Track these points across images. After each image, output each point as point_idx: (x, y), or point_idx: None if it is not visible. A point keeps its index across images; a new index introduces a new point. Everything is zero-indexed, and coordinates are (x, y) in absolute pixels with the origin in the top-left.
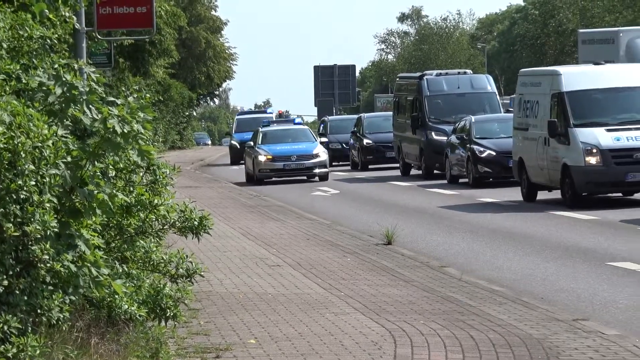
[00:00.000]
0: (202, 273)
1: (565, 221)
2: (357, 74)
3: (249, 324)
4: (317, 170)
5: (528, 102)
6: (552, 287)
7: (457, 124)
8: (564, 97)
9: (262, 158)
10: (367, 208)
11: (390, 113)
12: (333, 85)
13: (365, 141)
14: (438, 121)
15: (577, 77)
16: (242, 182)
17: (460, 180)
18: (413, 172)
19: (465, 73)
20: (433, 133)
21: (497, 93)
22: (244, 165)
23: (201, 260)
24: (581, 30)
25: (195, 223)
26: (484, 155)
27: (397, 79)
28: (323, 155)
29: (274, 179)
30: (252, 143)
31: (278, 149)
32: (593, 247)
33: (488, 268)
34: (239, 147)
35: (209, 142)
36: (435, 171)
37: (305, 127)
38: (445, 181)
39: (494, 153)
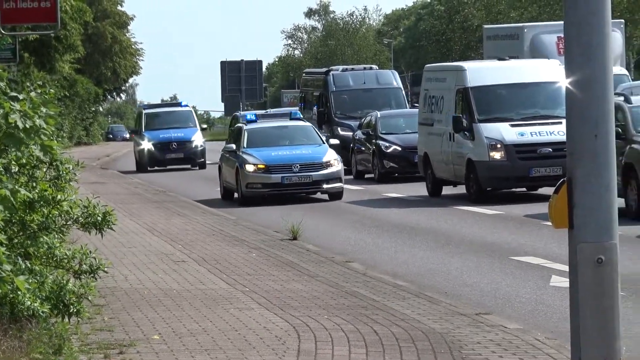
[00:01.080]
0: (105, 269)
1: (470, 216)
2: (264, 69)
3: (153, 319)
4: (327, 186)
5: (433, 97)
6: (456, 281)
7: (362, 120)
8: (469, 93)
9: (250, 168)
10: (272, 203)
11: (297, 109)
12: (240, 80)
13: None
14: (344, 116)
15: (481, 72)
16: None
17: (366, 176)
18: None
19: (371, 68)
20: (339, 128)
21: (402, 88)
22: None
23: (105, 256)
24: (486, 26)
25: (99, 219)
26: (389, 150)
27: (304, 75)
28: (336, 164)
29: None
30: (233, 146)
31: (274, 155)
32: (497, 241)
33: (392, 263)
34: (153, 149)
35: (127, 135)
36: None
37: (307, 123)
38: (351, 177)
39: (399, 148)
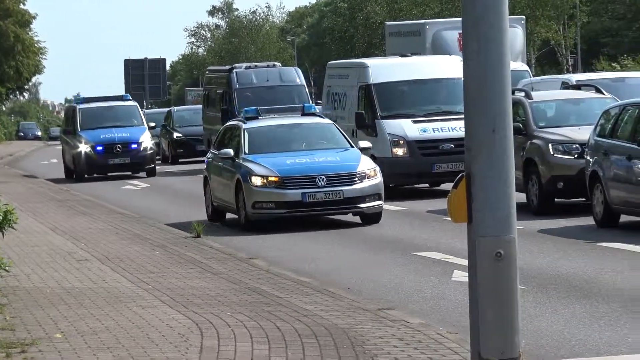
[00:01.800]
0: (7, 268)
1: None
2: (168, 67)
3: (56, 318)
4: (364, 205)
5: (336, 94)
6: (359, 277)
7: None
8: (371, 89)
9: (257, 181)
10: (177, 201)
11: (200, 106)
12: (144, 79)
13: (175, 135)
14: None
15: (384, 69)
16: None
17: None
18: None
19: (274, 66)
20: None
21: (305, 85)
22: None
23: (7, 255)
24: (388, 23)
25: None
26: None
27: (207, 72)
28: (374, 174)
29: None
30: (229, 151)
31: (289, 163)
32: (400, 237)
33: (296, 260)
34: (93, 153)
35: (39, 133)
36: None
37: (327, 120)
38: None
39: None
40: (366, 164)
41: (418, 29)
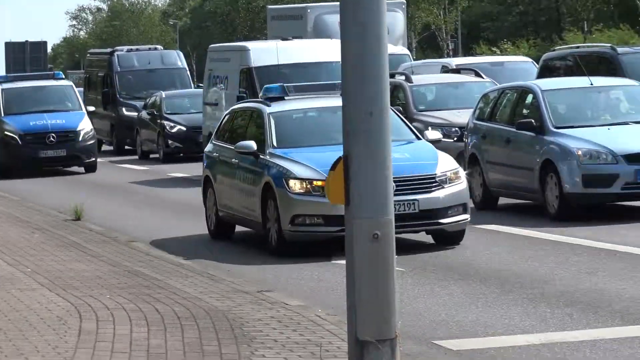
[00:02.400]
0: None
1: None
2: (49, 50)
3: None
4: (447, 220)
5: (218, 77)
6: (240, 260)
7: (147, 100)
8: (252, 72)
9: (300, 186)
10: (57, 185)
11: (82, 89)
12: (25, 62)
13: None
14: (129, 97)
15: (265, 52)
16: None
17: (151, 156)
18: (105, 147)
19: (156, 49)
20: (124, 109)
21: (187, 69)
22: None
23: None
24: (270, 7)
25: None
26: (174, 130)
27: (88, 55)
28: (458, 178)
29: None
30: (252, 145)
31: None
32: None
33: (177, 242)
34: (21, 145)
35: None
36: (126, 147)
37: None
38: (136, 157)
39: (184, 128)
40: (447, 164)
41: (300, 13)
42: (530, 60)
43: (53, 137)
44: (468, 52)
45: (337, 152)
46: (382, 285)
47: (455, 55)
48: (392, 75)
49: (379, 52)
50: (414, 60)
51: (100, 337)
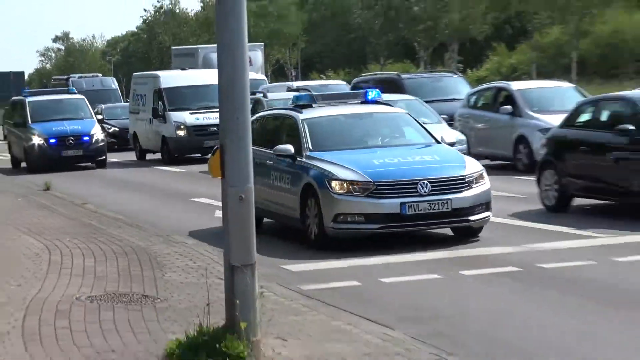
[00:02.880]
0: None
1: (165, 173)
2: (27, 77)
3: None
4: (475, 217)
5: (139, 95)
6: (154, 215)
7: (95, 110)
8: (162, 92)
9: (342, 187)
10: (74, 176)
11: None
12: (10, 87)
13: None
14: None
15: (171, 78)
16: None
17: None
18: None
19: (97, 76)
20: None
21: (119, 89)
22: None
23: None
24: (174, 47)
25: None
26: (110, 130)
27: (52, 80)
28: (482, 179)
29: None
30: (290, 148)
31: (378, 164)
32: (182, 189)
33: (115, 204)
34: (46, 146)
35: None
36: None
37: (399, 110)
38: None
39: (117, 129)
40: (473, 166)
41: (193, 52)
42: (344, 83)
43: (72, 139)
44: (305, 77)
45: (369, 154)
46: (244, 229)
47: (297, 79)
48: (253, 93)
49: (243, 77)
50: (269, 83)
51: (64, 265)
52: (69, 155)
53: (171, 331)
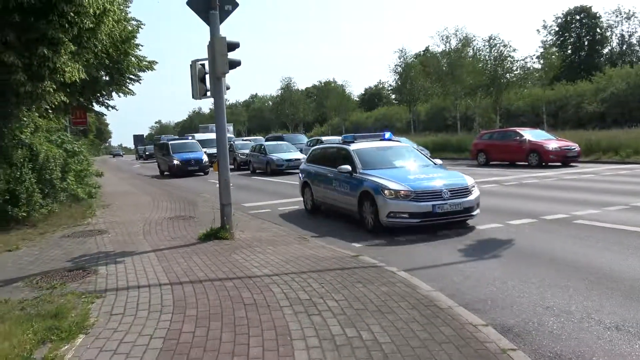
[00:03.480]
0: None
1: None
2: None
3: None
4: (474, 213)
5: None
6: (199, 190)
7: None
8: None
9: (392, 194)
10: (192, 180)
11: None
12: None
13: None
14: None
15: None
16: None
17: None
18: None
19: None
20: None
21: (234, 134)
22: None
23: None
24: (201, 125)
25: None
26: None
27: (200, 127)
28: (474, 188)
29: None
30: (349, 167)
31: (412, 179)
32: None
33: (199, 190)
34: (180, 164)
35: (122, 154)
36: None
37: (407, 144)
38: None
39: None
40: (470, 179)
41: (207, 126)
42: (263, 137)
43: (193, 162)
44: (249, 134)
45: (401, 171)
46: (226, 192)
47: (247, 135)
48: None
49: (223, 136)
50: (235, 137)
51: (159, 206)
52: (191, 169)
53: (200, 229)
